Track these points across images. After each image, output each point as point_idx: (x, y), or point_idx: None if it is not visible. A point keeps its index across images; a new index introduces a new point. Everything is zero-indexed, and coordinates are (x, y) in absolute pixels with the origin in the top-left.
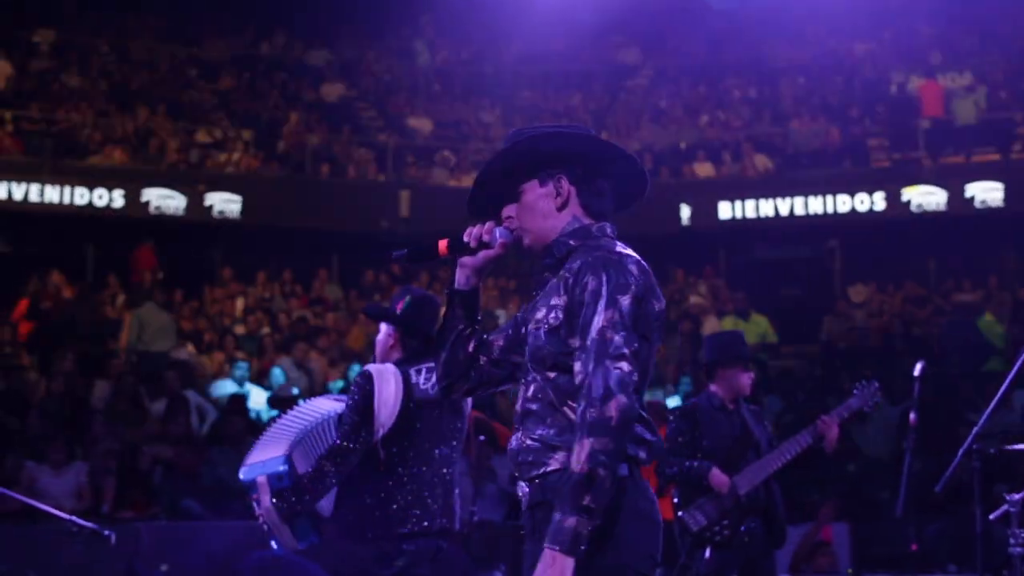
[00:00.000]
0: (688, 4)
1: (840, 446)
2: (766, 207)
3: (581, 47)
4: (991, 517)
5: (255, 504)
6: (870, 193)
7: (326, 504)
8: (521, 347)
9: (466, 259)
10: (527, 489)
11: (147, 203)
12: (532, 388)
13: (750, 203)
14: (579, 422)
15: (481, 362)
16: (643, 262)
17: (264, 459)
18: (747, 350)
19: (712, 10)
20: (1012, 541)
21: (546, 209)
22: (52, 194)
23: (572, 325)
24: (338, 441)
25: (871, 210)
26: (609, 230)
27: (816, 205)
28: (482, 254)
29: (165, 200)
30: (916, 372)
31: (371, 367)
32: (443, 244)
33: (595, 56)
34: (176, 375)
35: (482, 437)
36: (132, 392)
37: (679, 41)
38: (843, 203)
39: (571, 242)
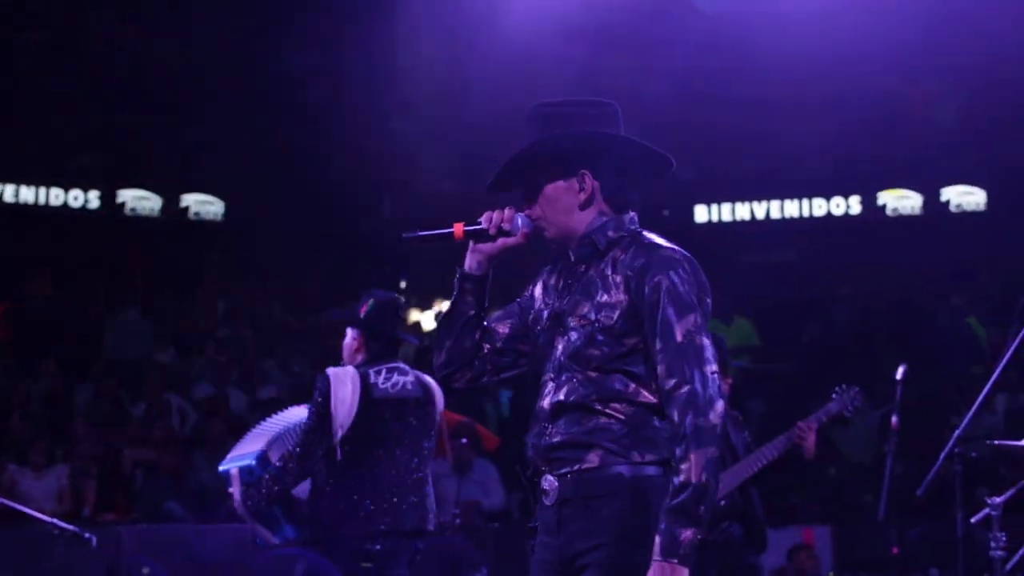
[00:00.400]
0: (675, 6)
1: (821, 450)
2: (742, 210)
3: (567, 49)
4: (972, 521)
5: (230, 496)
6: (846, 197)
7: (301, 491)
8: (527, 336)
9: (482, 245)
10: (556, 484)
11: (125, 204)
12: (566, 388)
13: (726, 207)
14: (686, 431)
15: (485, 350)
16: (691, 257)
17: (242, 453)
18: (727, 356)
19: (699, 12)
20: (993, 545)
21: (570, 204)
22: (28, 195)
23: (634, 325)
24: (299, 441)
25: (847, 214)
26: (637, 220)
27: (792, 209)
28: (500, 241)
29: (143, 202)
30: (898, 375)
31: (330, 369)
32: (459, 228)
33: (580, 57)
34: (157, 378)
35: (464, 440)
36: (114, 395)
37: (664, 43)
38: (819, 207)
39: (610, 233)
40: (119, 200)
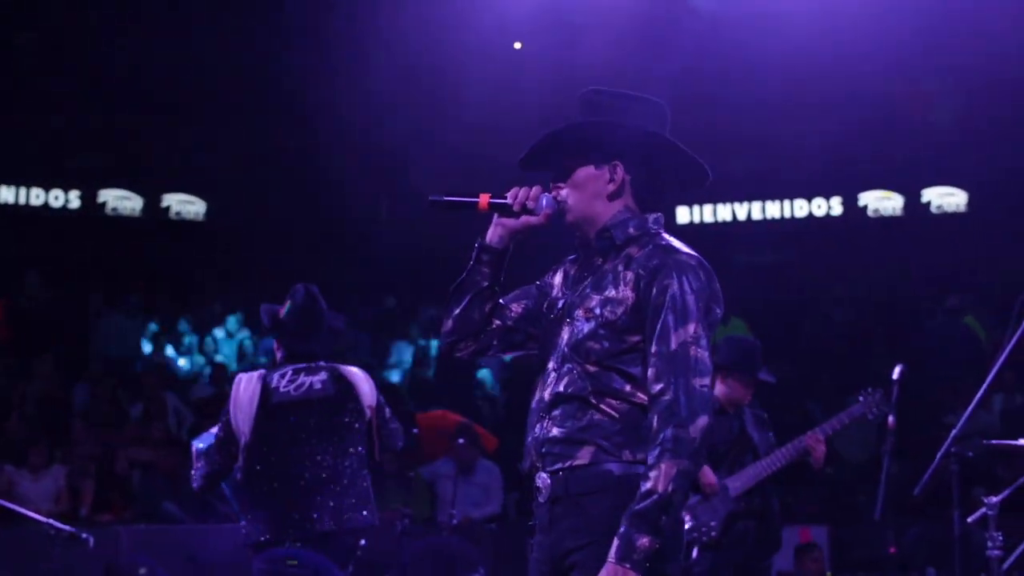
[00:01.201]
0: (671, 5)
1: (828, 457)
2: (724, 212)
3: (562, 50)
4: (969, 520)
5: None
6: (827, 198)
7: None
8: (539, 320)
9: (505, 220)
10: (548, 481)
11: (117, 205)
12: (566, 379)
13: (708, 208)
14: (663, 439)
15: (494, 326)
16: (707, 264)
17: (210, 433)
18: (759, 364)
19: (695, 12)
20: (990, 544)
21: (597, 192)
22: (8, 195)
23: (637, 323)
24: (213, 442)
25: (828, 215)
26: (662, 222)
27: (774, 210)
28: (523, 219)
29: (125, 202)
30: (894, 375)
31: (239, 375)
32: (484, 199)
33: (575, 58)
34: (154, 378)
35: (461, 440)
36: (111, 395)
37: (659, 43)
38: (800, 208)
39: (631, 230)
40: (117, 200)
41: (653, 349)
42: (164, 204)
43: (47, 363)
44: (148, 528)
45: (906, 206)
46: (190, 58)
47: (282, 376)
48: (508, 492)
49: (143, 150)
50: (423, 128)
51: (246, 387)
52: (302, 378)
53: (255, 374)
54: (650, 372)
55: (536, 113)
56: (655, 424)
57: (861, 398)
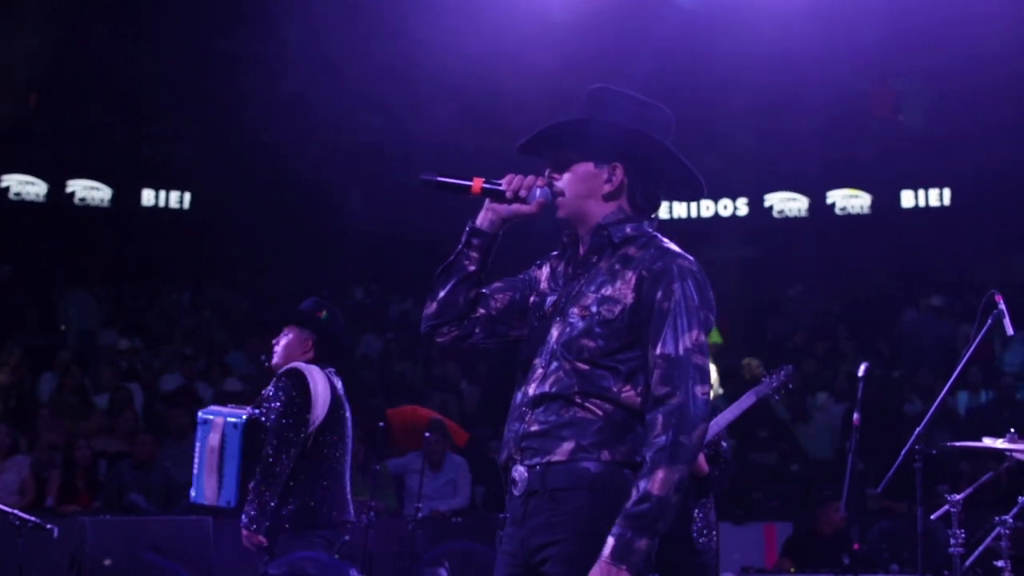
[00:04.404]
0: (650, 3)
1: (785, 446)
2: (679, 209)
3: (535, 45)
4: (932, 517)
5: (199, 441)
6: (733, 199)
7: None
8: (523, 312)
9: (497, 205)
10: (526, 475)
11: (97, 196)
12: (553, 377)
13: (675, 205)
14: (665, 443)
15: (478, 313)
16: (702, 271)
17: (225, 410)
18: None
19: (674, 6)
20: (952, 541)
21: (593, 191)
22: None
23: (634, 323)
24: (277, 435)
25: (733, 215)
26: (656, 224)
27: (738, 207)
28: (514, 207)
29: (29, 187)
30: (860, 372)
31: (298, 365)
32: (478, 183)
33: (548, 53)
34: (122, 369)
35: (427, 434)
36: (78, 385)
37: (635, 38)
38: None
39: (628, 230)
40: (93, 192)
41: (657, 352)
42: (157, 198)
43: (15, 354)
44: (113, 519)
45: (810, 207)
46: (158, 52)
47: (329, 372)
48: (477, 484)
49: (113, 143)
50: (395, 122)
51: (315, 377)
52: (334, 378)
53: (313, 367)
54: (655, 375)
55: (509, 104)
56: (658, 426)
57: (765, 379)
